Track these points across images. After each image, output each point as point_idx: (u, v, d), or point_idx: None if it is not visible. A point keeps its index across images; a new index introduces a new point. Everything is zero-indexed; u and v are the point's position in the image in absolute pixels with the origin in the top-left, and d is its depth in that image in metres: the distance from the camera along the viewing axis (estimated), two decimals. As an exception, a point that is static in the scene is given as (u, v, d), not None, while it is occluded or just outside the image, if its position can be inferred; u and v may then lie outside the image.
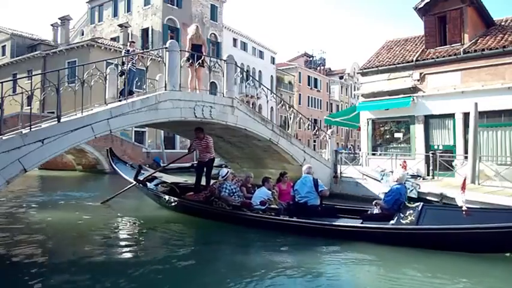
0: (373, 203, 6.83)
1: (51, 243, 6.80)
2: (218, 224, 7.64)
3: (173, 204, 8.85)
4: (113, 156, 10.46)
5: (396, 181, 6.61)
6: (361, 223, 6.42)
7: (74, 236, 7.18)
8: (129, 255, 6.20)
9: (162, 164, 25.82)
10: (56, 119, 6.49)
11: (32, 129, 6.22)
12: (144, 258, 5.88)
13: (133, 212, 9.76)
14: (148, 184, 9.63)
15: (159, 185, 9.82)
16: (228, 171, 8.49)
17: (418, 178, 10.88)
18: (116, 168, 10.23)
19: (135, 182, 9.47)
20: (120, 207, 10.05)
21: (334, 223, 6.57)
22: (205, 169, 9.24)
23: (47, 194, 13.30)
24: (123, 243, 7.02)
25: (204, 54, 9.30)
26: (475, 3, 12.50)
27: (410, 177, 10.49)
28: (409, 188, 9.14)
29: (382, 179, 10.28)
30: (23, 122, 6.52)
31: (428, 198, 8.88)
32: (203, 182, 9.17)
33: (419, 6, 13.19)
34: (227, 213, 7.60)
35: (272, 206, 7.35)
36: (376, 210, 6.67)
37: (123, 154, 24.28)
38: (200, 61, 9.10)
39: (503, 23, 13.17)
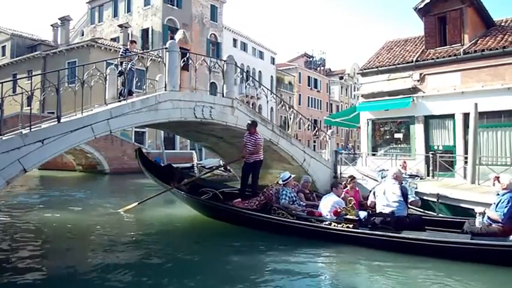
0: (477, 212, 5.75)
1: (76, 247, 6.62)
2: (278, 236, 6.64)
3: (219, 212, 7.81)
4: (142, 157, 9.50)
5: (505, 188, 5.58)
6: (470, 238, 5.37)
7: (110, 244, 6.70)
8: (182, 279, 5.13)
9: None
10: (56, 119, 6.49)
11: (32, 130, 6.22)
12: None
13: (170, 220, 8.91)
14: (184, 188, 8.61)
15: (201, 191, 8.75)
16: (290, 175, 7.57)
17: (416, 178, 10.88)
18: (146, 171, 9.21)
19: (171, 187, 8.51)
20: (151, 214, 9.32)
21: (436, 239, 5.49)
22: (251, 172, 8.30)
23: (67, 194, 13.21)
24: (173, 264, 5.75)
25: (190, 58, 9.13)
26: (475, 4, 12.50)
27: (408, 177, 10.50)
28: (377, 186, 9.12)
29: (382, 179, 10.26)
30: (23, 122, 6.52)
31: (425, 198, 8.88)
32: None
33: (419, 7, 13.19)
34: (291, 224, 6.59)
35: (348, 217, 6.18)
36: (478, 223, 5.63)
37: (123, 154, 24.36)
38: (182, 64, 8.85)
39: (503, 24, 13.17)
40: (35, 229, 7.87)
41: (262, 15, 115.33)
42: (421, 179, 10.98)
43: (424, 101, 12.79)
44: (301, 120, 13.35)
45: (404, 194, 6.25)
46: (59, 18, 30.80)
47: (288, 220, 6.65)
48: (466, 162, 10.39)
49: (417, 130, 12.95)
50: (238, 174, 12.68)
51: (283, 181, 7.41)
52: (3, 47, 33.33)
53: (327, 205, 6.66)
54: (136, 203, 9.04)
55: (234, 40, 38.60)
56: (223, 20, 36.88)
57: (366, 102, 14.22)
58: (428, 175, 11.66)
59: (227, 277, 5.01)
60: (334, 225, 6.19)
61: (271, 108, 34.13)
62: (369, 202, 6.79)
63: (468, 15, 12.50)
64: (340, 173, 11.78)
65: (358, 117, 14.97)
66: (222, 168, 16.07)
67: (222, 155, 13.36)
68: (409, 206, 6.29)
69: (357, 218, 6.17)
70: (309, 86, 49.90)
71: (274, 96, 30.91)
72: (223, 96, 9.83)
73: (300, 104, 46.26)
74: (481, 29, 12.95)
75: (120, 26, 30.93)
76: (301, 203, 7.28)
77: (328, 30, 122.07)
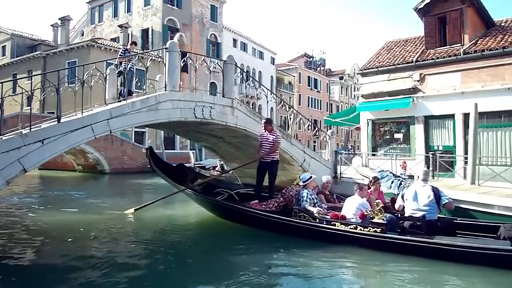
0: None
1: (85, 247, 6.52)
2: (299, 240, 6.37)
3: (236, 214, 7.53)
4: (154, 157, 9.17)
5: None
6: (511, 245, 4.98)
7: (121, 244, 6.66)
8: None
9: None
10: (56, 119, 6.49)
11: (32, 130, 6.22)
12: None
13: (184, 220, 8.80)
14: (197, 188, 8.35)
15: (215, 192, 8.47)
16: (311, 176, 7.26)
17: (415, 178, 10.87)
18: (158, 170, 8.93)
19: (184, 187, 8.24)
20: (163, 214, 9.13)
21: (475, 245, 5.17)
22: (266, 173, 8.02)
23: (74, 196, 13.13)
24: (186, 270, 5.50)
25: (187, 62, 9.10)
26: (475, 4, 12.50)
27: (407, 177, 10.50)
28: (405, 188, 9.12)
29: (381, 179, 10.23)
30: (23, 122, 6.53)
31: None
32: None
33: (419, 7, 13.19)
34: (314, 227, 6.29)
35: (375, 221, 5.79)
36: None
37: (123, 154, 24.37)
38: (182, 64, 8.83)
39: (503, 24, 13.17)
40: (43, 229, 7.84)
41: (262, 15, 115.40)
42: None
43: (424, 101, 12.79)
44: (301, 120, 13.34)
45: (436, 195, 5.83)
46: (59, 18, 30.80)
47: (310, 223, 6.35)
48: (466, 163, 10.38)
49: (417, 130, 12.94)
50: (238, 174, 12.68)
51: (303, 182, 7.10)
52: (3, 47, 33.34)
53: (352, 208, 6.27)
54: (148, 203, 8.84)
55: (234, 40, 38.61)
56: (223, 20, 36.90)
57: (366, 102, 14.22)
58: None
59: (246, 281, 4.83)
60: (360, 229, 5.85)
61: (271, 108, 34.12)
62: (397, 206, 6.43)
63: (468, 15, 12.50)
64: (340, 173, 11.77)
65: (358, 118, 14.96)
66: (219, 169, 15.89)
67: (222, 155, 13.35)
68: (444, 208, 5.88)
69: (385, 222, 5.76)
70: (309, 86, 49.90)
71: (274, 96, 30.93)
72: (223, 96, 9.83)
73: (300, 104, 46.25)
74: (481, 29, 12.95)
75: (120, 26, 30.93)
76: (322, 205, 6.95)
77: (328, 30, 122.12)
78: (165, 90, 8.36)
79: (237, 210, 7.39)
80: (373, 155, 13.88)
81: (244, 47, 39.82)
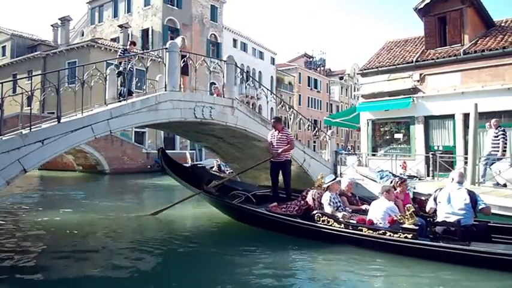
0: None
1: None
2: (323, 244, 6.06)
3: (254, 217, 7.20)
4: (166, 157, 8.86)
5: None
6: None
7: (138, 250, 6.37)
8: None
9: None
10: (56, 120, 6.49)
11: (32, 130, 6.22)
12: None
13: (202, 224, 8.48)
14: (213, 191, 8.08)
15: (231, 194, 8.14)
16: (335, 178, 6.93)
17: (415, 178, 10.88)
18: (170, 172, 8.64)
19: (200, 190, 7.99)
20: (178, 217, 8.76)
21: None
22: (281, 172, 7.78)
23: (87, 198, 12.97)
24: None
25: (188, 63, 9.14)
26: (475, 4, 12.51)
27: (406, 177, 10.50)
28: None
29: (381, 179, 10.25)
30: (23, 123, 6.52)
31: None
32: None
33: (419, 7, 13.20)
34: (339, 233, 5.99)
35: (406, 226, 5.40)
36: None
37: (123, 155, 24.38)
38: (182, 65, 8.83)
39: (503, 24, 13.18)
40: (45, 230, 7.82)
41: (262, 15, 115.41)
42: (419, 179, 10.98)
43: (424, 101, 12.79)
44: (301, 121, 13.35)
45: (473, 199, 5.44)
46: (59, 19, 30.80)
47: (335, 228, 6.04)
48: (466, 163, 10.38)
49: (417, 130, 12.95)
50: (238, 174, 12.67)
51: (326, 184, 6.72)
52: (3, 47, 33.35)
53: (379, 212, 5.89)
54: (166, 207, 8.58)
55: (234, 40, 38.61)
56: (223, 20, 36.90)
57: (366, 102, 14.22)
58: (428, 175, 11.66)
59: (270, 286, 4.70)
60: (390, 235, 5.51)
61: (271, 108, 34.09)
62: (427, 208, 6.04)
63: (468, 15, 12.50)
64: (340, 173, 11.78)
65: (358, 118, 14.97)
66: (216, 169, 15.69)
67: (222, 155, 13.35)
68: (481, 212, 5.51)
69: (416, 228, 5.39)
70: (309, 86, 49.90)
71: (274, 96, 30.93)
72: (223, 96, 9.83)
73: (300, 104, 46.25)
74: (481, 30, 12.95)
75: (120, 26, 30.94)
76: (346, 208, 6.59)
77: (328, 30, 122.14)
78: (165, 90, 8.37)
79: (257, 215, 7.08)
80: (373, 155, 13.89)
81: (244, 47, 39.82)
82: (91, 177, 21.43)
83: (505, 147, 9.59)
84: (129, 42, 10.35)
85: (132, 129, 25.48)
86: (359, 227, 5.86)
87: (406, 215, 5.44)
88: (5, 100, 6.06)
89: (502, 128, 9.66)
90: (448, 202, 5.54)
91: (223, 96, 9.54)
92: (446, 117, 12.40)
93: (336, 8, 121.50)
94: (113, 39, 31.03)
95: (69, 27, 32.25)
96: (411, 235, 5.35)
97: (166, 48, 8.62)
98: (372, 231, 5.72)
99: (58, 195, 13.49)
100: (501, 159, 9.48)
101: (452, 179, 5.66)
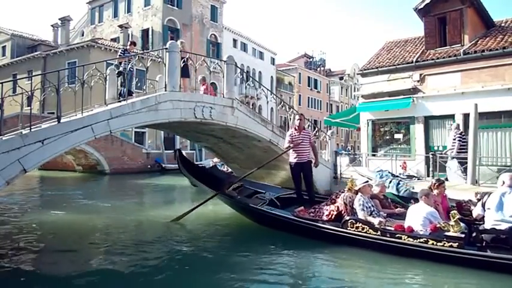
0: None
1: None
2: (358, 251, 5.71)
3: (281, 223, 6.83)
4: (183, 159, 8.56)
5: None
6: None
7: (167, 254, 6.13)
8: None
9: (163, 165, 25.90)
10: (56, 120, 6.48)
11: (32, 130, 6.21)
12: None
13: (222, 227, 8.05)
14: (235, 194, 7.80)
15: (254, 197, 7.83)
16: (367, 180, 6.56)
17: (414, 179, 10.89)
18: (188, 174, 8.41)
19: (219, 192, 7.74)
20: (196, 221, 8.27)
21: None
22: (302, 174, 7.49)
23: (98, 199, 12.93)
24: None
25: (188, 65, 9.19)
26: (475, 4, 12.51)
27: (405, 177, 10.50)
28: (402, 188, 9.17)
29: (380, 179, 10.23)
30: (23, 123, 6.52)
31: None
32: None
33: (419, 7, 13.20)
34: (375, 241, 5.60)
35: (451, 234, 5.03)
36: None
37: (123, 155, 24.38)
38: (182, 65, 8.84)
39: (503, 24, 13.18)
40: (48, 230, 7.84)
41: (262, 15, 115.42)
42: (418, 179, 10.97)
43: (424, 101, 12.79)
44: (301, 121, 13.31)
45: None
46: (59, 19, 30.81)
47: (371, 236, 5.64)
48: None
49: (417, 130, 12.95)
50: (238, 174, 12.67)
51: (358, 187, 6.33)
52: (4, 47, 33.35)
53: (418, 218, 5.46)
54: (187, 211, 8.17)
55: (234, 40, 38.60)
56: (223, 20, 36.90)
57: (366, 102, 14.23)
58: (428, 176, 11.65)
59: None
60: (433, 244, 5.11)
61: (271, 108, 34.16)
62: (474, 214, 5.65)
63: (468, 15, 12.50)
64: (340, 173, 11.78)
65: (358, 118, 14.97)
66: None
67: (222, 155, 13.35)
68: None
69: (462, 236, 5.00)
70: (309, 86, 49.90)
71: (274, 96, 30.96)
72: (223, 96, 9.83)
73: (300, 105, 46.26)
74: (481, 30, 12.96)
75: (120, 26, 30.94)
76: (380, 213, 6.17)
77: (328, 30, 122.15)
78: (165, 90, 8.36)
79: (284, 220, 6.74)
80: (373, 155, 13.89)
81: (244, 47, 39.82)
82: (91, 177, 21.43)
83: (462, 148, 10.29)
84: (129, 43, 10.35)
85: (132, 129, 25.49)
86: (397, 235, 5.45)
87: (451, 223, 5.04)
88: (5, 100, 6.05)
89: (460, 131, 10.62)
90: (499, 208, 5.07)
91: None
92: (446, 118, 12.40)
93: (336, 8, 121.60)
94: (113, 39, 31.04)
95: (69, 27, 32.26)
96: (457, 244, 4.97)
97: (166, 48, 8.62)
98: (412, 239, 5.31)
99: (71, 196, 13.47)
100: (454, 158, 10.33)
101: (503, 182, 5.18)
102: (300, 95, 47.80)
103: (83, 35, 36.44)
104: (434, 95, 12.52)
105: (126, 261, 5.73)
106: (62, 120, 6.54)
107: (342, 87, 56.47)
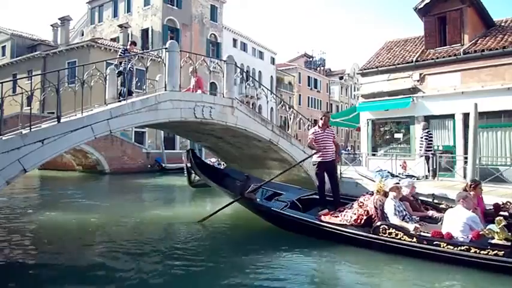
0: None
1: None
2: (392, 260, 5.35)
3: (303, 227, 6.52)
4: (195, 159, 8.13)
5: None
6: None
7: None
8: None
9: (163, 164, 25.91)
10: (56, 120, 6.49)
11: (32, 130, 6.22)
12: None
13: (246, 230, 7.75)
14: (254, 197, 7.41)
15: (274, 200, 7.51)
16: (398, 182, 6.21)
17: (413, 178, 10.88)
18: (202, 175, 8.07)
19: (239, 197, 7.38)
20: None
21: None
22: (326, 174, 7.15)
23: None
24: None
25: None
26: (475, 4, 12.51)
27: (405, 177, 10.49)
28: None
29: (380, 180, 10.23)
30: (23, 123, 6.52)
31: (420, 198, 8.85)
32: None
33: (419, 7, 13.20)
34: (409, 247, 5.24)
35: (496, 242, 4.70)
36: None
37: (123, 154, 24.38)
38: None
39: (503, 24, 13.18)
40: (49, 230, 7.85)
41: (262, 15, 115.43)
42: (418, 179, 10.97)
43: (424, 101, 12.79)
44: (301, 120, 13.35)
45: None
46: (59, 18, 30.78)
47: (406, 243, 5.27)
48: (466, 163, 10.39)
49: (417, 130, 12.94)
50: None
51: (388, 189, 5.92)
52: (3, 47, 33.32)
53: (458, 223, 5.09)
54: (211, 213, 7.88)
55: (234, 40, 38.59)
56: (223, 20, 36.89)
57: (366, 102, 14.23)
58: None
59: None
60: (475, 252, 4.78)
61: (271, 108, 34.13)
62: None
63: (468, 15, 12.50)
64: (341, 173, 11.77)
65: (358, 117, 14.96)
66: None
67: (222, 155, 13.35)
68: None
69: (509, 244, 4.64)
70: (308, 86, 49.90)
71: (274, 96, 30.96)
72: (223, 96, 9.83)
73: (300, 104, 46.26)
74: (481, 29, 12.96)
75: (120, 26, 30.92)
76: (413, 217, 5.83)
77: (328, 30, 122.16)
78: (165, 90, 8.37)
79: (308, 224, 6.40)
80: (373, 155, 13.89)
81: (244, 47, 39.81)
82: (91, 177, 21.43)
83: (429, 147, 10.93)
84: (129, 43, 10.35)
85: (132, 129, 25.48)
86: (435, 242, 5.07)
87: (496, 229, 4.70)
88: (5, 100, 6.06)
89: (427, 131, 11.11)
90: None
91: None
92: (446, 117, 12.40)
93: (336, 7, 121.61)
94: (113, 39, 31.02)
95: (69, 27, 32.22)
96: (503, 252, 4.63)
97: (166, 48, 8.62)
98: (452, 247, 4.94)
99: (71, 196, 13.45)
100: (423, 156, 10.98)
101: None
102: (299, 95, 47.80)
103: (82, 35, 36.42)
104: (434, 95, 12.52)
105: (129, 261, 5.73)
106: (61, 120, 6.55)
107: (341, 87, 56.47)
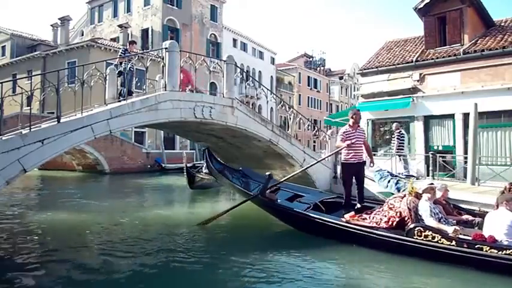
0: None
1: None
2: (426, 265, 5.07)
3: (326, 229, 6.22)
4: (212, 158, 7.96)
5: None
6: None
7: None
8: None
9: (163, 164, 25.92)
10: (56, 120, 6.49)
11: (31, 130, 6.22)
12: None
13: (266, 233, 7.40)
14: (274, 197, 7.09)
15: (295, 201, 7.24)
16: (432, 183, 5.97)
17: (412, 178, 10.88)
18: (219, 174, 7.80)
19: (254, 195, 7.08)
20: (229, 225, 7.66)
21: None
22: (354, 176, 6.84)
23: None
24: None
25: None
26: (474, 4, 12.51)
27: (404, 177, 10.50)
28: (402, 188, 9.17)
29: (380, 179, 10.21)
30: (23, 123, 6.52)
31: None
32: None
33: (419, 7, 13.19)
34: (448, 251, 4.93)
35: None
36: None
37: (123, 154, 24.39)
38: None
39: (502, 24, 13.18)
40: (51, 230, 7.84)
41: (262, 15, 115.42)
42: (417, 179, 10.98)
43: (424, 101, 12.79)
44: (301, 120, 13.35)
45: None
46: (58, 18, 30.77)
47: (444, 246, 4.96)
48: (466, 163, 10.40)
49: (417, 130, 12.95)
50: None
51: (422, 191, 5.65)
52: (3, 47, 33.32)
53: (501, 226, 4.86)
54: (216, 215, 7.59)
55: (234, 40, 38.60)
56: (223, 20, 36.90)
57: (366, 102, 14.23)
58: (428, 175, 11.66)
59: None
60: None
61: (271, 108, 34.12)
62: None
63: (468, 15, 12.50)
64: (341, 173, 11.78)
65: (358, 117, 14.94)
66: (207, 170, 15.14)
67: (222, 155, 13.34)
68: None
69: None
70: (308, 86, 49.91)
71: (274, 96, 30.95)
72: (223, 96, 9.83)
73: (300, 104, 46.27)
74: (481, 29, 12.95)
75: (120, 26, 30.93)
76: (449, 220, 5.57)
77: (328, 30, 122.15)
78: (165, 90, 8.36)
79: (336, 226, 6.07)
80: (373, 154, 13.86)
81: (244, 47, 39.82)
82: (91, 177, 21.43)
83: (400, 146, 11.57)
84: (128, 42, 10.35)
85: (132, 129, 25.49)
86: (477, 245, 4.79)
87: None
88: (4, 100, 6.06)
89: (399, 131, 11.64)
90: None
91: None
92: (446, 117, 12.40)
93: (336, 7, 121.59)
94: (113, 39, 31.02)
95: (69, 27, 32.20)
96: None
97: (166, 48, 8.62)
98: (496, 251, 4.67)
99: (70, 196, 13.46)
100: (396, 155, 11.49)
101: None
102: (299, 95, 47.81)
103: (82, 35, 36.42)
104: (434, 95, 12.52)
105: (129, 261, 5.73)
106: (61, 120, 6.55)
107: (341, 87, 56.48)
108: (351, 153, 6.84)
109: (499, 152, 11.35)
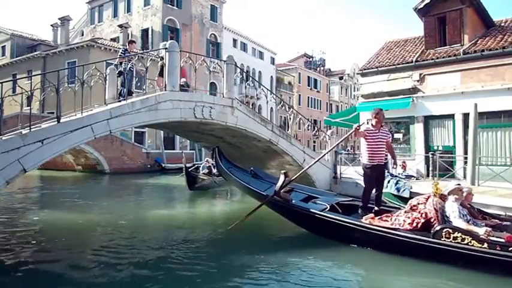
0: None
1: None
2: (456, 271, 4.81)
3: (346, 232, 5.94)
4: (222, 158, 7.77)
5: None
6: None
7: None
8: None
9: (163, 164, 25.90)
10: (56, 120, 6.49)
11: (31, 130, 6.22)
12: None
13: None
14: (289, 198, 6.81)
15: (310, 202, 7.02)
16: (459, 183, 5.79)
17: (412, 178, 10.90)
18: (230, 175, 7.53)
19: (269, 196, 6.74)
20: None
21: None
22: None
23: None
24: None
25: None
26: (474, 4, 12.51)
27: (404, 177, 10.52)
28: (401, 188, 9.17)
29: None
30: (23, 123, 6.52)
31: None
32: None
33: (419, 7, 13.19)
34: (481, 255, 4.65)
35: None
36: None
37: (123, 154, 24.39)
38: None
39: (502, 24, 13.18)
40: (52, 230, 7.84)
41: (262, 15, 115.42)
42: (417, 179, 10.98)
43: (423, 101, 12.79)
44: (301, 121, 13.36)
45: None
46: (58, 18, 30.77)
47: (475, 249, 4.67)
48: (465, 163, 10.39)
49: (417, 130, 12.95)
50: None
51: (448, 191, 5.40)
52: (3, 47, 33.32)
53: None
54: (243, 219, 7.03)
55: (234, 40, 38.60)
56: (223, 20, 36.90)
57: (366, 102, 14.22)
58: (428, 175, 11.66)
59: None
60: None
61: (271, 108, 34.12)
62: None
63: (468, 15, 12.50)
64: (340, 173, 11.78)
65: (358, 118, 14.93)
66: (207, 171, 15.11)
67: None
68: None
69: None
70: (308, 86, 49.91)
71: (274, 96, 30.95)
72: (223, 96, 9.83)
73: (299, 104, 46.27)
74: (481, 29, 12.95)
75: (120, 26, 30.93)
76: (478, 222, 5.31)
77: (328, 30, 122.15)
78: (165, 90, 8.37)
79: (358, 229, 5.75)
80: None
81: (244, 47, 39.82)
82: (91, 177, 21.43)
83: None
84: (128, 42, 10.35)
85: (132, 129, 25.49)
86: (508, 248, 4.51)
87: None
88: (5, 100, 6.06)
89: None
90: None
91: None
92: (446, 117, 12.40)
93: (336, 7, 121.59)
94: (113, 39, 31.02)
95: (69, 27, 32.20)
96: None
97: (166, 48, 8.62)
98: None
99: (70, 196, 13.46)
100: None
101: None
102: (299, 95, 47.81)
103: (82, 35, 36.42)
104: (434, 95, 12.52)
105: (129, 261, 5.73)
106: (61, 120, 6.55)
107: (341, 87, 56.48)
108: (372, 155, 6.44)
109: (499, 152, 11.36)
